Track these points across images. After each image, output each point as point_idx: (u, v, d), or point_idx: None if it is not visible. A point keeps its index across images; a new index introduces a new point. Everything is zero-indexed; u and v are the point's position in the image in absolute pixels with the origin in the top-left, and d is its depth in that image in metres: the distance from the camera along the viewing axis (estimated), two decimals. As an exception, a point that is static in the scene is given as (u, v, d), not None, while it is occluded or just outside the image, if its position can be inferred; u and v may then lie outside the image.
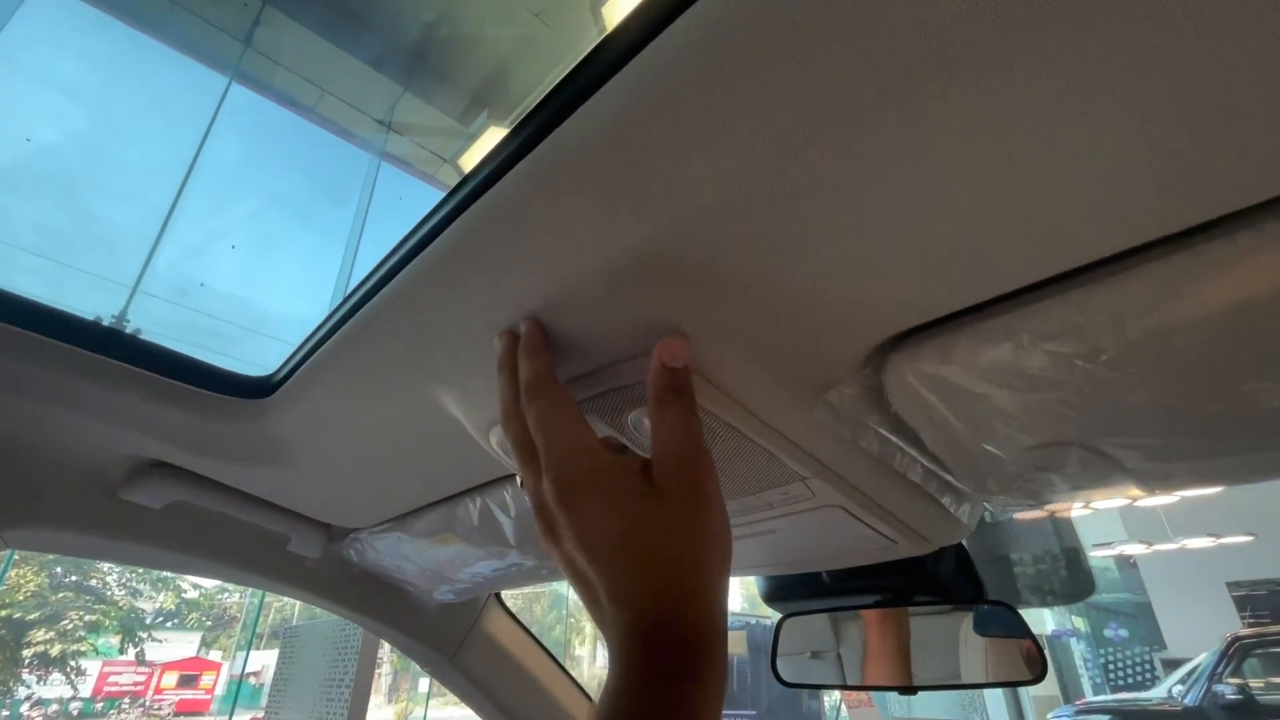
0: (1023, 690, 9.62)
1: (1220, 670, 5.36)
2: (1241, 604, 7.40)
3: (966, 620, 0.72)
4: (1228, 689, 5.21)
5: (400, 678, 16.12)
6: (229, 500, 0.83)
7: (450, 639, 1.15)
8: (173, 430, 0.71)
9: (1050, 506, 0.57)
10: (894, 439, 0.46)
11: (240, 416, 0.70)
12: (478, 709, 1.19)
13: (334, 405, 0.64)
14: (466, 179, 0.39)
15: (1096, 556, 9.76)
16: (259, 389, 0.71)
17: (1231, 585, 7.55)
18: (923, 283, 0.38)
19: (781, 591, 0.85)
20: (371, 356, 0.55)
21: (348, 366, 0.58)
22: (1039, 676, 0.65)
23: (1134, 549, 7.82)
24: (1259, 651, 5.46)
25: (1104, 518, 7.87)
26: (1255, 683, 5.28)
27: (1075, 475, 0.45)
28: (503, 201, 0.38)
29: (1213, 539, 6.95)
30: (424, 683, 14.25)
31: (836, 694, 7.67)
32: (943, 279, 0.37)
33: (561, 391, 0.38)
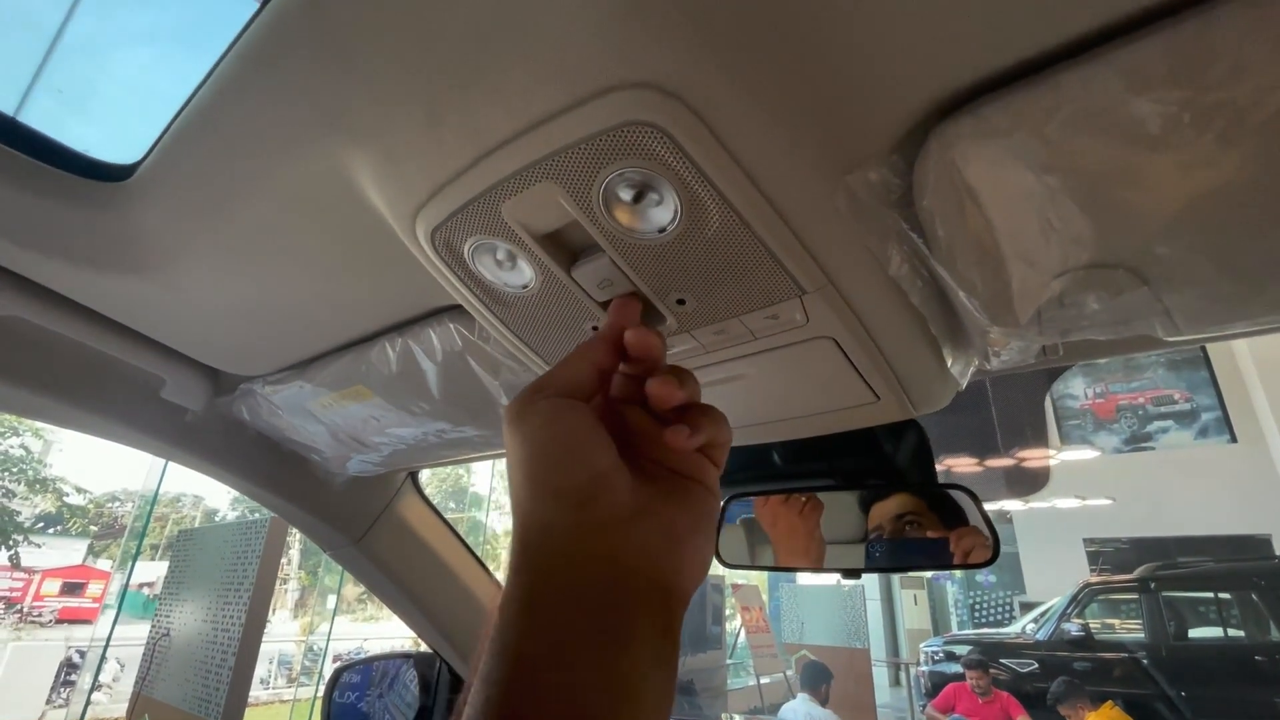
0: (899, 623, 10.63)
1: (1069, 611, 6.07)
2: (1093, 558, 8.34)
3: (918, 504, 0.70)
4: (1073, 627, 5.94)
5: (307, 594, 15.92)
6: (82, 323, 0.67)
7: (359, 521, 1.04)
8: (3, 216, 0.55)
9: (1040, 366, 0.53)
10: (913, 240, 0.38)
11: (91, 203, 0.55)
12: (381, 595, 1.11)
13: (211, 184, 0.50)
14: None
15: (980, 510, 10.70)
16: (115, 169, 0.56)
17: (1087, 541, 8.49)
18: (1002, 11, 0.30)
19: (727, 476, 0.79)
20: (260, 103, 0.42)
21: (229, 120, 0.44)
22: (991, 559, 0.63)
23: (1013, 505, 8.63)
24: (1102, 597, 6.23)
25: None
26: (1094, 623, 6.03)
27: (1106, 309, 0.40)
28: None
29: (1079, 500, 7.74)
30: (331, 599, 14.17)
31: (738, 620, 8.18)
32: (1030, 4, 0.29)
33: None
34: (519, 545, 0.30)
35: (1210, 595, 5.67)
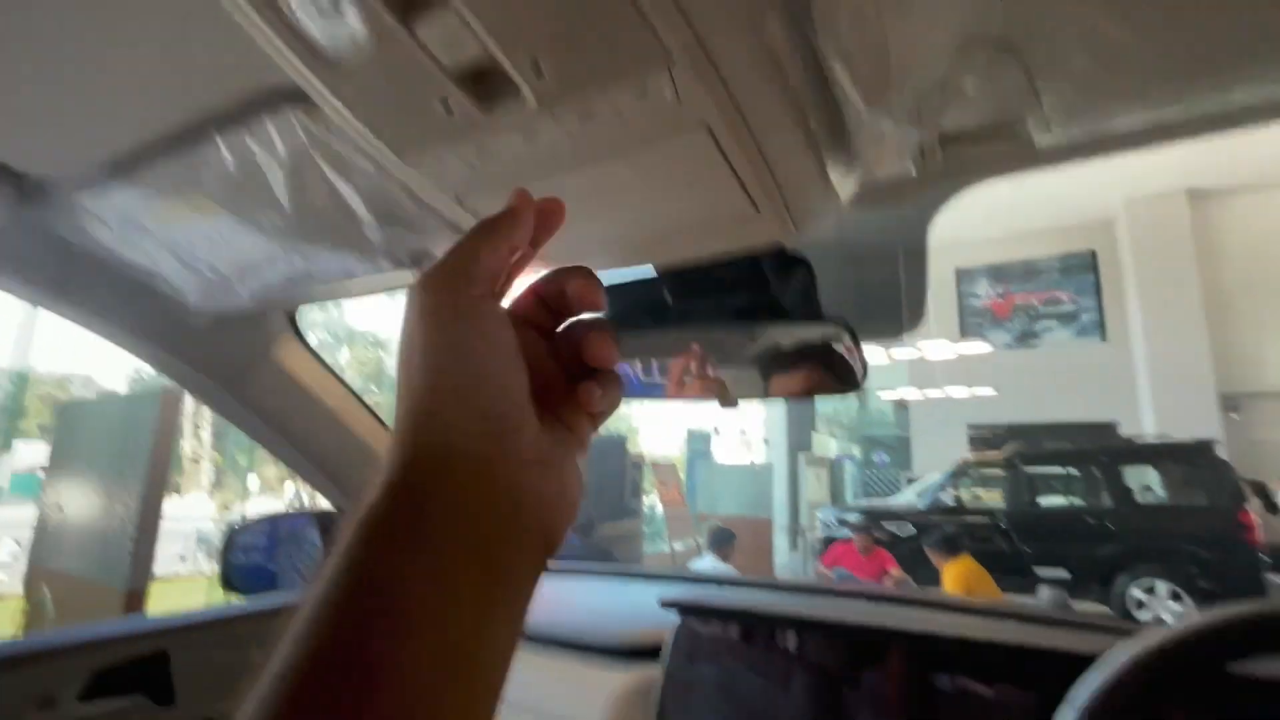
0: (801, 496, 11.75)
1: (946, 485, 6.92)
2: (974, 442, 9.39)
3: (795, 335, 0.71)
4: (947, 497, 6.80)
5: (223, 474, 15.63)
6: None
7: (232, 366, 0.97)
8: None
9: (920, 190, 0.51)
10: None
11: None
12: (266, 445, 1.07)
13: None
14: None
15: (881, 399, 11.81)
16: None
17: (970, 427, 9.52)
18: None
19: (617, 318, 0.78)
20: None
21: None
22: (856, 385, 0.66)
23: (910, 393, 9.48)
24: (974, 472, 7.10)
25: (895, 370, 9.33)
26: (966, 495, 6.92)
27: (982, 94, 0.38)
28: None
29: (968, 389, 8.57)
30: (252, 479, 13.98)
31: (654, 494, 8.77)
32: None
33: None
34: (413, 460, 0.26)
35: (1061, 470, 6.66)
